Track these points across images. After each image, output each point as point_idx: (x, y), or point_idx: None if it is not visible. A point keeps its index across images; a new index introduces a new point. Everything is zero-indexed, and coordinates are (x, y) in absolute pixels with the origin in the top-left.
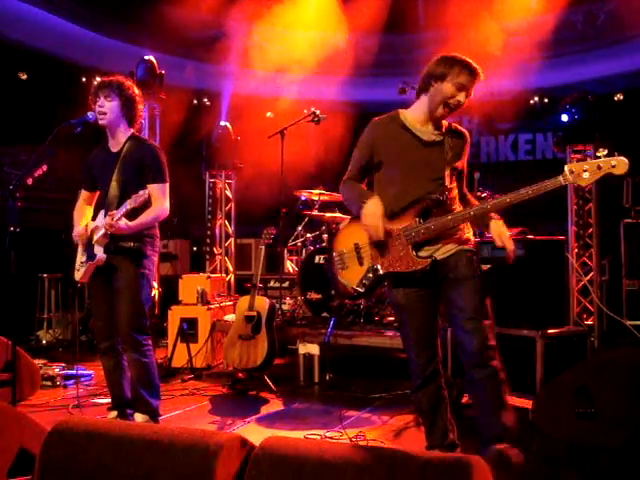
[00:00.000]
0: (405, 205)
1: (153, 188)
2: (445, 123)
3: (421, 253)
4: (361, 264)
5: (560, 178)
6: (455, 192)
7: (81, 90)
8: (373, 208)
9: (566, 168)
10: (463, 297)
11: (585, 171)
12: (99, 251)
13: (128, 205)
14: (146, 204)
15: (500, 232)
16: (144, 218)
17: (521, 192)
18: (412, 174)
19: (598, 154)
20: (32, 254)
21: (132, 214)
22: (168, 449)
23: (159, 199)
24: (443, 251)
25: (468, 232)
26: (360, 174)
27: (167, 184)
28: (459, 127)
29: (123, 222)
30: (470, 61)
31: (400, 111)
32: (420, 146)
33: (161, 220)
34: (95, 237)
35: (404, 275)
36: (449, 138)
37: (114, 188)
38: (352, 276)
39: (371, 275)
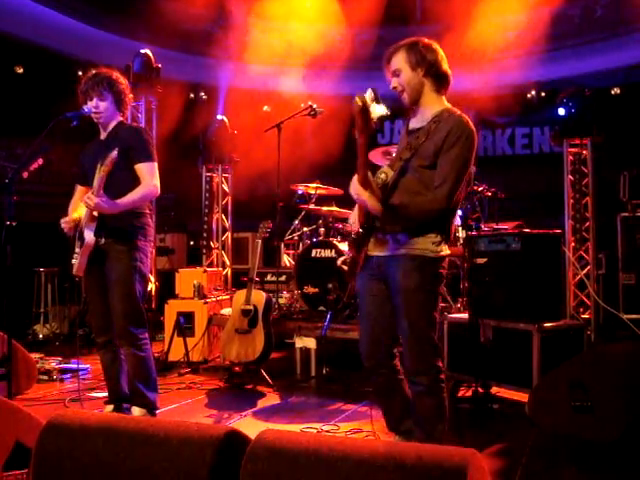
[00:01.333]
0: None
1: (140, 167)
2: (437, 110)
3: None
4: None
5: None
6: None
7: (77, 83)
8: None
9: None
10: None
11: None
12: (88, 235)
13: (101, 172)
14: (134, 183)
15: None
16: (131, 196)
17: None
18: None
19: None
20: (28, 248)
21: (120, 193)
22: (164, 443)
23: (146, 178)
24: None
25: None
26: None
27: (154, 163)
28: (453, 115)
29: (104, 200)
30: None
31: None
32: (405, 134)
33: (150, 199)
34: (84, 223)
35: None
36: (432, 124)
37: (97, 174)
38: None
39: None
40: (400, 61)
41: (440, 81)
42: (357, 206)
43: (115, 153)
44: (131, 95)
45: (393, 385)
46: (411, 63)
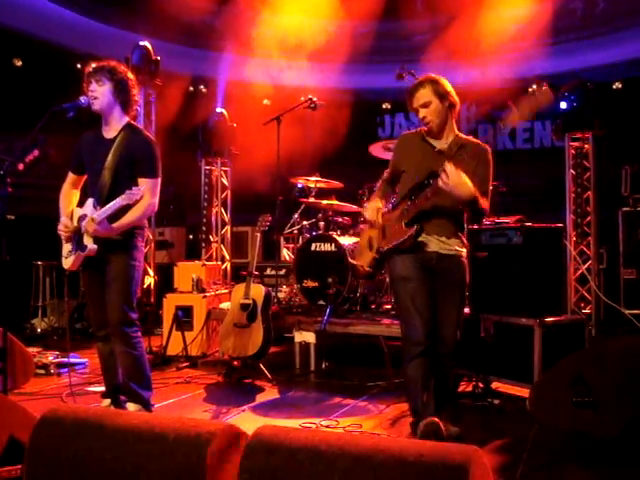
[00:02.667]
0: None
1: (143, 182)
2: (456, 136)
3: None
4: (371, 249)
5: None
6: None
7: (76, 76)
8: (371, 205)
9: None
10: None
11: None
12: (89, 242)
13: (122, 202)
14: (135, 184)
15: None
16: (130, 217)
17: None
18: (420, 173)
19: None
20: (27, 241)
21: (120, 194)
22: (159, 438)
23: (147, 195)
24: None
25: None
26: (393, 178)
27: (158, 179)
28: (479, 143)
29: (102, 228)
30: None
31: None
32: (432, 152)
33: (148, 216)
34: (84, 226)
35: (399, 247)
36: (457, 145)
37: (105, 177)
38: (365, 259)
39: (377, 255)
40: (429, 94)
41: (454, 109)
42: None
43: (142, 194)
44: (136, 91)
45: (430, 373)
46: (439, 95)
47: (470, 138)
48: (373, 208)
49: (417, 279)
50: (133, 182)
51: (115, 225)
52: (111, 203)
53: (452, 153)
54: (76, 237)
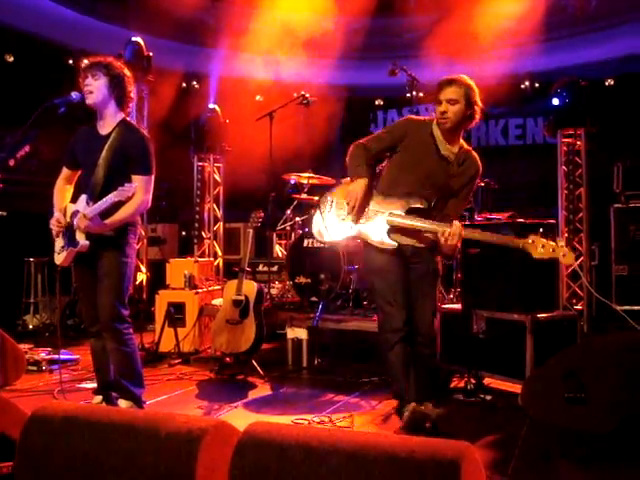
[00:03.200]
0: (399, 193)
1: (136, 179)
2: (460, 147)
3: (392, 236)
4: (342, 219)
5: (521, 243)
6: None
7: (68, 72)
8: (357, 187)
9: (530, 237)
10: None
11: (542, 247)
12: (81, 238)
13: (114, 198)
14: (128, 181)
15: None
16: (123, 213)
17: (487, 235)
18: (418, 173)
19: (559, 243)
20: (18, 238)
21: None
22: (150, 435)
23: (139, 191)
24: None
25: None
26: (377, 152)
27: (152, 177)
28: (476, 159)
29: (95, 224)
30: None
31: (433, 123)
32: (435, 155)
33: (140, 213)
34: (75, 222)
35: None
36: (459, 159)
37: (99, 173)
38: (333, 228)
39: (348, 230)
40: (461, 94)
41: (469, 122)
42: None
43: (134, 190)
44: (131, 88)
45: (409, 358)
46: (467, 100)
47: (470, 151)
48: (355, 192)
49: (395, 271)
50: (127, 179)
51: (107, 221)
52: (103, 199)
53: (455, 170)
54: (68, 233)
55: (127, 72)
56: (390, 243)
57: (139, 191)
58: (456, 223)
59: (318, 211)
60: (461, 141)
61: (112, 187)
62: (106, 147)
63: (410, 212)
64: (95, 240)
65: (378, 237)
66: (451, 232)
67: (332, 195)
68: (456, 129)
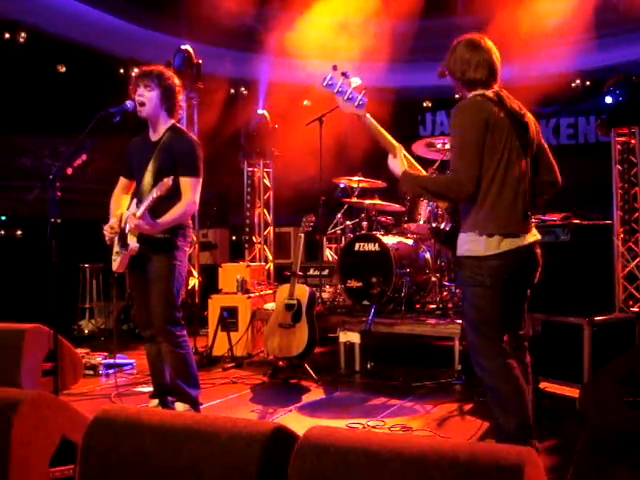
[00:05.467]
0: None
1: (184, 181)
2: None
3: None
4: None
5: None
6: None
7: (119, 81)
8: None
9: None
10: None
11: None
12: (132, 241)
13: (154, 194)
14: (175, 193)
15: None
16: (172, 214)
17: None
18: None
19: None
20: (74, 244)
21: (161, 204)
22: (212, 438)
23: (188, 193)
24: None
25: None
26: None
27: (199, 179)
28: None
29: (145, 222)
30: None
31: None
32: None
33: (189, 216)
34: (128, 226)
35: None
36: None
37: (148, 177)
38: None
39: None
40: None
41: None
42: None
43: (171, 181)
44: (182, 103)
45: None
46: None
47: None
48: None
49: None
50: (175, 180)
51: (158, 221)
52: (147, 197)
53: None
54: (122, 239)
55: (177, 81)
56: None
57: (187, 192)
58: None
59: None
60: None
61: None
62: (155, 153)
63: None
64: (145, 242)
65: None
66: None
67: None
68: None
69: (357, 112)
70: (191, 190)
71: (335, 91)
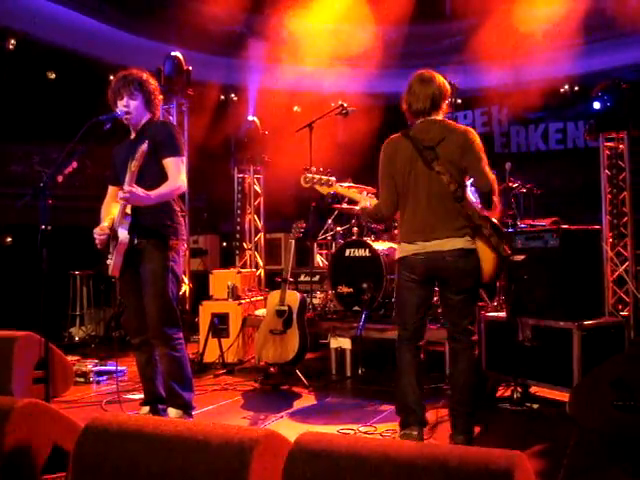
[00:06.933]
0: None
1: (167, 162)
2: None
3: None
4: None
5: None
6: None
7: (108, 87)
8: None
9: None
10: None
11: None
12: (122, 233)
13: (132, 167)
14: (162, 178)
15: None
16: (160, 190)
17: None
18: None
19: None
20: (64, 252)
21: (145, 183)
22: (203, 445)
23: (173, 173)
24: None
25: None
26: None
27: (182, 157)
28: None
29: (136, 190)
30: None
31: None
32: None
33: (177, 194)
34: (117, 222)
35: None
36: None
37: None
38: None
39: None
40: None
41: None
42: None
43: (145, 146)
44: (161, 96)
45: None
46: None
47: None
48: None
49: None
50: (158, 167)
51: (150, 193)
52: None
53: None
54: (114, 242)
55: (153, 81)
56: None
57: (173, 172)
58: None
59: None
60: None
61: (146, 175)
62: (135, 146)
63: None
64: (136, 231)
65: None
66: None
67: None
68: None
69: (332, 189)
70: (176, 169)
71: (313, 183)
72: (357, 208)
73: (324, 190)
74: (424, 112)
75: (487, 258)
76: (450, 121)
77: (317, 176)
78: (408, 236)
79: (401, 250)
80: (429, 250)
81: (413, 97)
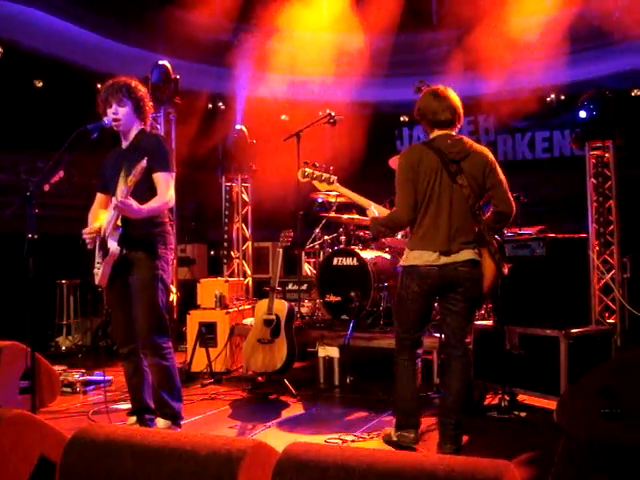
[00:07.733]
0: None
1: (158, 177)
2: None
3: None
4: None
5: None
6: None
7: (96, 96)
8: None
9: None
10: None
11: None
12: (112, 245)
13: (129, 182)
14: (151, 192)
15: None
16: (151, 204)
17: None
18: None
19: None
20: (50, 261)
21: (134, 196)
22: (190, 456)
23: (163, 188)
24: None
25: None
26: None
27: (172, 173)
28: None
29: (130, 202)
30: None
31: None
32: None
33: (165, 209)
34: (107, 232)
35: None
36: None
37: (121, 184)
38: None
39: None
40: None
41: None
42: None
43: (144, 162)
44: (151, 104)
45: None
46: None
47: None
48: None
49: None
50: (148, 181)
51: (141, 206)
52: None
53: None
54: (103, 250)
55: (142, 88)
56: None
57: (162, 187)
58: None
59: None
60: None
61: (137, 189)
62: (125, 157)
63: None
64: (126, 243)
65: None
66: None
67: None
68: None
69: (331, 187)
70: (165, 185)
71: (312, 178)
72: (349, 217)
73: (322, 187)
74: (447, 124)
75: (488, 272)
76: (470, 139)
77: (317, 172)
78: (424, 244)
79: (413, 258)
80: (443, 262)
81: (439, 107)
